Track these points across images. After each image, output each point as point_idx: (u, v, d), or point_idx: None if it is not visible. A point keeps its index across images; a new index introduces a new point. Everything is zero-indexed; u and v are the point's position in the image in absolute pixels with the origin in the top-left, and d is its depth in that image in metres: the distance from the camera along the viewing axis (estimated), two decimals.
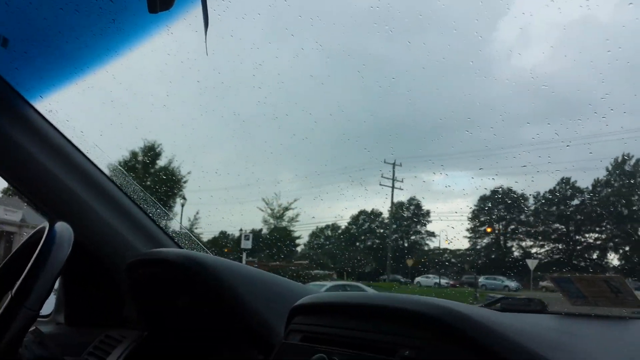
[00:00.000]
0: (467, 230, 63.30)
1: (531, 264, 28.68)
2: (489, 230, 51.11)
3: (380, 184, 41.34)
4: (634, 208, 52.86)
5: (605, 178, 53.93)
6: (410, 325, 0.63)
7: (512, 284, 35.06)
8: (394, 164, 41.56)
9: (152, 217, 1.44)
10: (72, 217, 1.30)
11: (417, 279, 39.44)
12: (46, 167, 1.25)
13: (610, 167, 53.99)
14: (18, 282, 0.91)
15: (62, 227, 1.04)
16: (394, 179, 41.19)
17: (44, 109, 1.26)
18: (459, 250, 62.41)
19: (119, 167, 1.49)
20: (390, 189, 42.22)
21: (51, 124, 1.28)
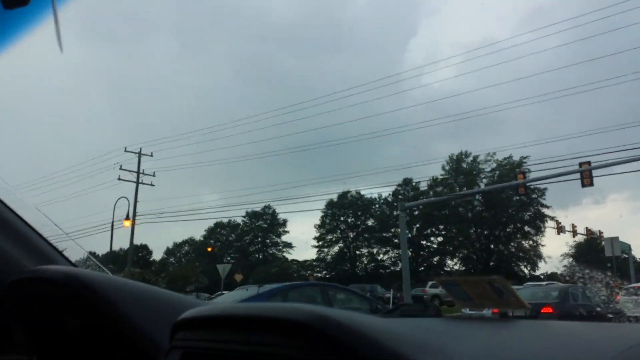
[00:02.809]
0: (315, 239, 64.25)
1: (221, 269, 29.67)
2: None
3: (120, 178, 35.34)
4: (470, 208, 56.37)
5: (441, 177, 56.37)
6: (284, 334, 0.64)
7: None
8: (139, 153, 36.03)
9: (40, 233, 1.34)
10: None
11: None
12: None
13: (446, 165, 56.14)
14: None
15: None
16: (139, 172, 35.84)
17: None
18: (306, 261, 63.18)
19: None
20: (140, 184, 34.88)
21: None
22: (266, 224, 69.86)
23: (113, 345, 1.02)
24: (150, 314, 1.01)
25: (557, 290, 13.59)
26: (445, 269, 57.72)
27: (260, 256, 68.20)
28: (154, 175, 36.96)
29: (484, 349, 0.74)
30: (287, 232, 70.02)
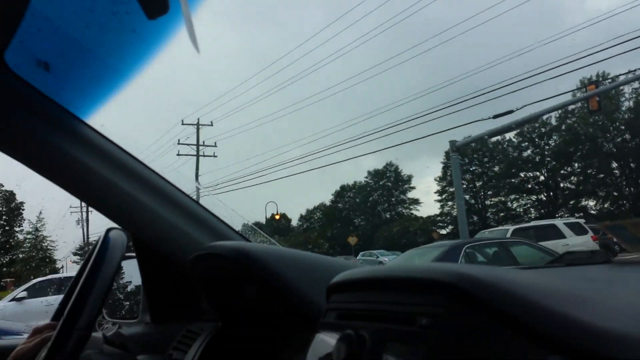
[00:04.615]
0: (436, 193, 61.78)
1: None
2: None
3: (179, 154, 33.46)
4: (610, 138, 48.65)
5: (572, 107, 47.40)
6: (430, 294, 0.64)
7: (386, 258, 34.37)
8: (197, 125, 34.18)
9: (213, 213, 1.50)
10: (137, 222, 1.39)
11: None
12: (105, 178, 1.31)
13: (577, 93, 45.58)
14: (69, 304, 0.99)
15: (114, 234, 1.11)
16: (198, 144, 34.30)
17: (96, 124, 1.32)
18: (430, 217, 60.98)
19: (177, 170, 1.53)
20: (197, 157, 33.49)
21: (104, 136, 1.34)
22: (390, 182, 69.40)
23: (281, 310, 1.12)
24: (310, 279, 1.09)
25: (441, 251, 10.17)
26: (591, 212, 52.16)
27: (389, 215, 68.11)
28: (215, 146, 35.45)
29: None
30: (413, 188, 69.01)
